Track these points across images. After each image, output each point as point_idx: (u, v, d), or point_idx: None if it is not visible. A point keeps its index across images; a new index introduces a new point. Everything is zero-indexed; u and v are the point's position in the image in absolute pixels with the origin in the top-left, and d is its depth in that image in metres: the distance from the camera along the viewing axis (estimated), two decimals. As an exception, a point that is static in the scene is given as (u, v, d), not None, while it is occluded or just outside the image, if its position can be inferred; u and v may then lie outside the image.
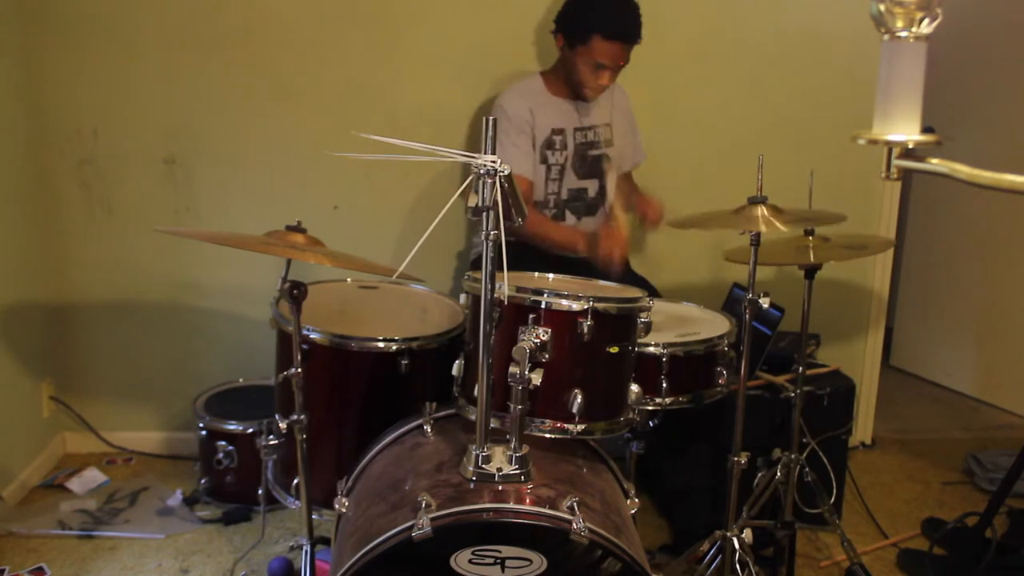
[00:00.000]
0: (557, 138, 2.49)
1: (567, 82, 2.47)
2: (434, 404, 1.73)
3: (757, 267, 1.90)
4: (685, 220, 2.02)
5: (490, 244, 1.37)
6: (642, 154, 2.76)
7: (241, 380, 2.82)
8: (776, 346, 2.50)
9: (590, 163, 2.56)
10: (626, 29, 2.34)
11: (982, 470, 2.92)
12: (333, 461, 1.95)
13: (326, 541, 1.90)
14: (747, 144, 2.74)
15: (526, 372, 1.43)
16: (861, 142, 0.95)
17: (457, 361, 1.69)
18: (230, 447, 2.51)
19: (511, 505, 1.40)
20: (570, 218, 2.56)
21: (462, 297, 1.67)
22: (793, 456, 2.22)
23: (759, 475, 2.30)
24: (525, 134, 2.44)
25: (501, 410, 1.51)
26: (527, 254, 2.49)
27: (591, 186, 2.57)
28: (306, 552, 1.86)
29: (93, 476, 2.69)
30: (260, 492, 2.05)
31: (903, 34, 0.91)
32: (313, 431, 1.81)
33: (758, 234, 1.88)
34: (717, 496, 2.33)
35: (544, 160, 2.49)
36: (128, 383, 2.92)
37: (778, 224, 1.82)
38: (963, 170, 0.90)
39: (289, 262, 1.76)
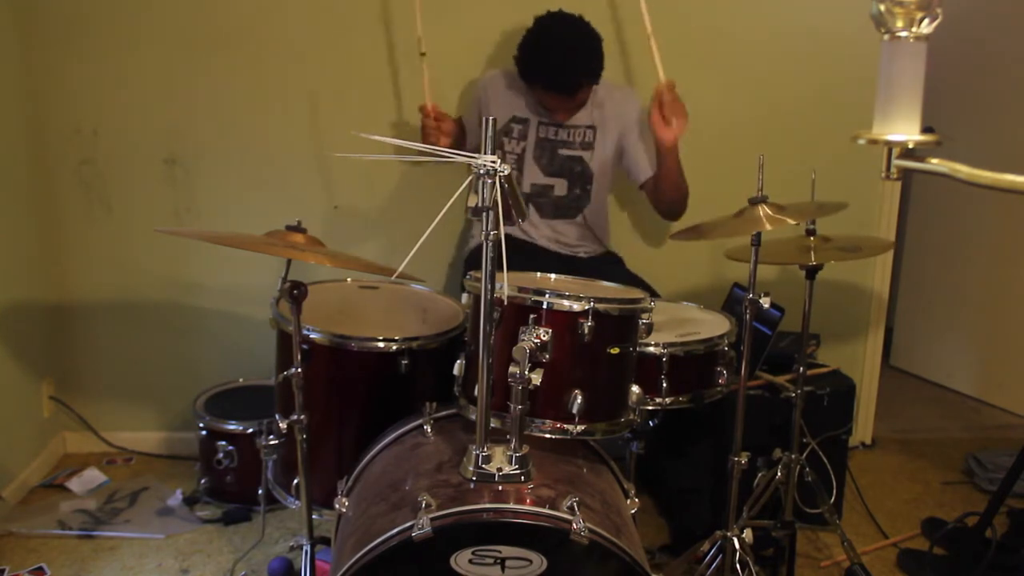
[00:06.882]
0: (516, 127, 2.52)
1: None
2: (434, 404, 1.73)
3: (758, 267, 1.90)
4: (689, 231, 1.99)
5: (490, 244, 1.37)
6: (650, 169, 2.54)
7: (241, 380, 2.82)
8: (776, 346, 2.50)
9: (560, 162, 2.53)
10: (564, 84, 2.38)
11: (982, 470, 2.91)
12: (333, 461, 1.95)
13: (326, 541, 1.90)
14: (747, 144, 2.74)
15: (526, 372, 1.43)
16: (861, 142, 0.95)
17: (458, 361, 1.69)
18: (230, 447, 2.51)
19: (511, 505, 1.39)
20: (534, 216, 2.57)
21: (463, 296, 1.67)
22: (793, 456, 2.21)
23: (759, 475, 2.30)
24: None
25: (501, 410, 1.51)
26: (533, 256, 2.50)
27: (558, 185, 2.55)
28: (306, 552, 1.85)
29: (93, 476, 2.69)
30: (260, 492, 2.05)
31: (903, 34, 0.91)
32: (313, 431, 1.80)
33: (759, 233, 1.88)
34: (717, 496, 2.33)
35: (500, 147, 2.53)
36: (128, 383, 2.92)
37: (784, 218, 1.82)
38: (963, 170, 0.90)
39: (289, 262, 1.76)
